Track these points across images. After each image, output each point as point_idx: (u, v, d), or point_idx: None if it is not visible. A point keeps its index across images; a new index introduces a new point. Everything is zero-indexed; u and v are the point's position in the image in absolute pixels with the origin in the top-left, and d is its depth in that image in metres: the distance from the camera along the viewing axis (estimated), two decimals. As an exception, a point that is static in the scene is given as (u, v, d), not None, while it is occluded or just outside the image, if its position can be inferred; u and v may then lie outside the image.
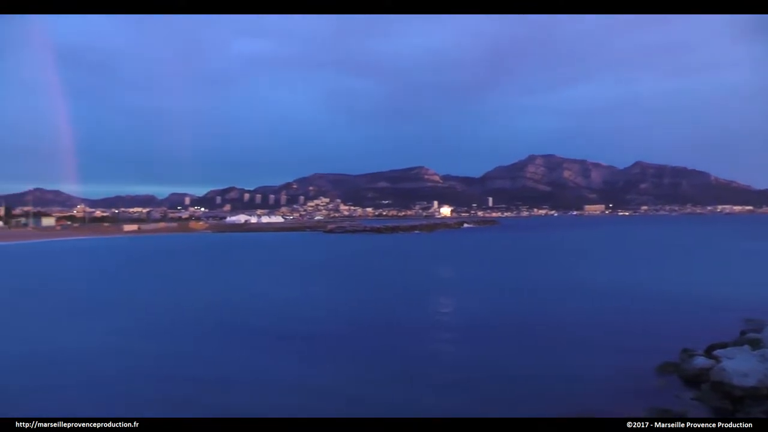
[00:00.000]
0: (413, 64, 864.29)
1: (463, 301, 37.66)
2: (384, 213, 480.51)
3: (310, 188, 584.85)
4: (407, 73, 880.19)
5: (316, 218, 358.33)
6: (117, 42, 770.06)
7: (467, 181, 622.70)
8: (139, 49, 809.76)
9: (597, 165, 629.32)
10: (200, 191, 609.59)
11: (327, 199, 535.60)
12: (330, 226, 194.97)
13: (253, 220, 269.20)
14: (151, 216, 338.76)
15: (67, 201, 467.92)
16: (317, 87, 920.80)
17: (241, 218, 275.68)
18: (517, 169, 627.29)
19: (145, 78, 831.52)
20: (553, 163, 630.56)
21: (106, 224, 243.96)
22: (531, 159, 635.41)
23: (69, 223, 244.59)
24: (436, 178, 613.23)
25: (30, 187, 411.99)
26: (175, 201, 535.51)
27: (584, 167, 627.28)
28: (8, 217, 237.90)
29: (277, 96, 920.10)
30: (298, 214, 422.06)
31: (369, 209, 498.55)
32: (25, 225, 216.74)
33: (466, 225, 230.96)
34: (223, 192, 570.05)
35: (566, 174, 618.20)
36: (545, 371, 20.17)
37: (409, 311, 33.26)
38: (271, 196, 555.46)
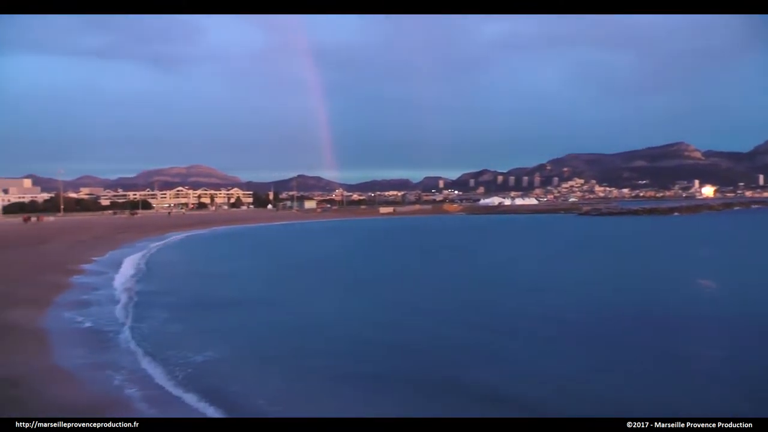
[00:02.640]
0: (668, 30, 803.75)
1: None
2: (641, 194, 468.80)
3: (564, 169, 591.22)
4: (661, 41, 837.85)
5: (571, 200, 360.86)
6: (365, 39, 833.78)
7: (733, 156, 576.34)
8: (387, 44, 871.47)
9: None
10: (453, 174, 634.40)
11: (581, 180, 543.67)
12: (585, 208, 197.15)
13: (507, 202, 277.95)
14: (406, 199, 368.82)
15: (327, 186, 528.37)
16: (568, 63, 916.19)
17: (495, 200, 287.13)
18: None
19: (394, 69, 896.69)
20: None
21: (363, 207, 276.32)
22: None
23: (328, 206, 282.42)
24: (698, 154, 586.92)
25: (294, 174, 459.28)
26: (429, 184, 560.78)
27: None
28: (276, 200, 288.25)
29: (528, 76, 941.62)
30: (552, 196, 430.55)
31: (625, 190, 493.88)
32: (290, 208, 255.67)
33: (737, 208, 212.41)
34: (476, 175, 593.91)
35: None
36: None
37: (681, 304, 31.08)
38: (525, 178, 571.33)
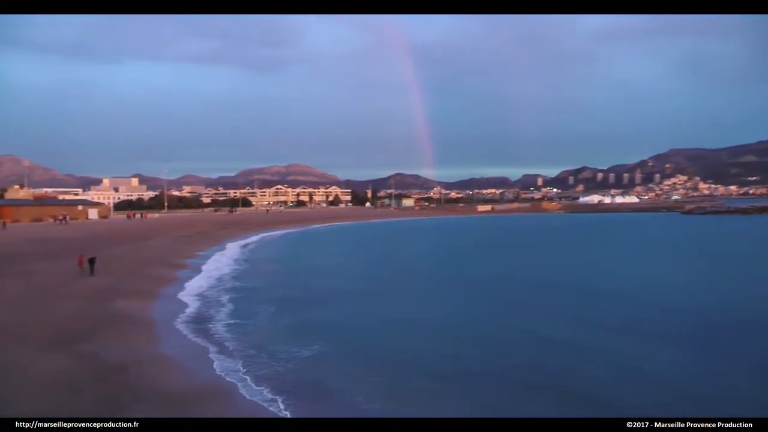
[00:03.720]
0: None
1: None
2: (750, 191, 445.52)
3: (666, 165, 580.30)
4: None
5: (673, 198, 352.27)
6: (462, 35, 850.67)
7: None
8: (485, 40, 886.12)
9: None
10: (552, 172, 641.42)
11: (684, 177, 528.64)
12: (688, 207, 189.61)
13: (607, 200, 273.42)
14: (504, 197, 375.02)
15: (425, 184, 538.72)
16: (669, 54, 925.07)
17: (594, 198, 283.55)
18: None
19: (493, 65, 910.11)
20: None
21: (461, 205, 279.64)
22: None
23: (426, 204, 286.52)
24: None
25: (392, 172, 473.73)
26: (528, 182, 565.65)
27: None
28: (374, 198, 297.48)
29: (628, 68, 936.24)
30: (653, 194, 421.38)
31: (732, 187, 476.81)
32: (389, 205, 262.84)
33: None
34: (575, 172, 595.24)
35: None
36: None
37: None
38: (625, 175, 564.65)
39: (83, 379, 16.29)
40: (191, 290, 34.58)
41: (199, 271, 44.11)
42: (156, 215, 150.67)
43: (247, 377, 17.81)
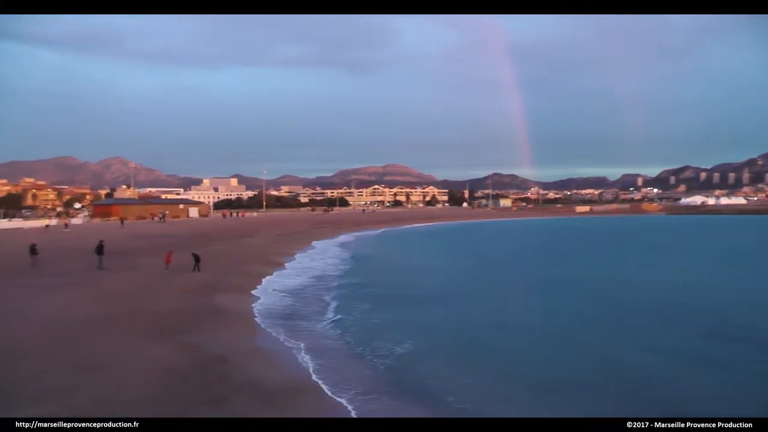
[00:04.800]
0: None
1: None
2: None
3: None
4: None
5: None
6: (558, 33, 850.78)
7: None
8: (581, 36, 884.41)
9: None
10: (653, 171, 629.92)
11: None
12: None
13: (711, 201, 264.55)
14: (603, 197, 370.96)
15: (522, 184, 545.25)
16: None
17: (697, 199, 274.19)
18: None
19: (590, 62, 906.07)
20: None
21: (558, 205, 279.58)
22: None
23: (524, 204, 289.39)
24: None
25: (489, 172, 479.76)
26: (627, 182, 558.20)
27: None
28: (471, 198, 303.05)
29: (734, 61, 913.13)
30: (763, 195, 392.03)
31: None
32: (486, 206, 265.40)
33: None
34: (676, 172, 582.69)
35: None
36: None
37: None
38: (731, 175, 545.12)
39: (186, 368, 17.10)
40: (287, 286, 35.60)
41: (295, 268, 45.35)
42: (254, 214, 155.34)
43: (337, 374, 18.17)
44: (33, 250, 38.03)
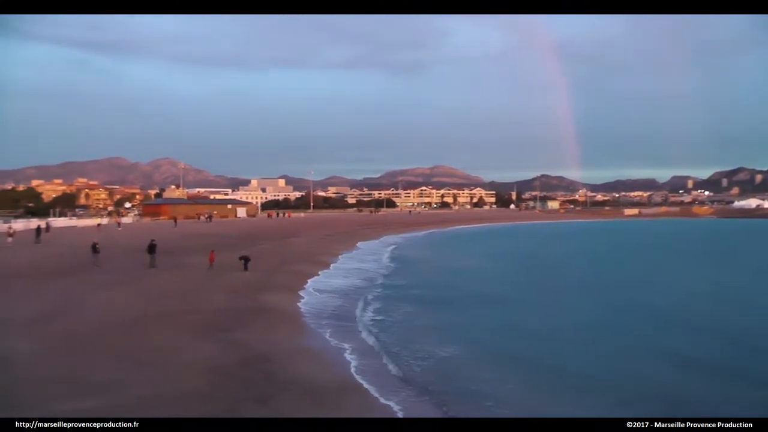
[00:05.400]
0: None
1: None
2: None
3: None
4: None
5: None
6: (607, 31, 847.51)
7: None
8: (630, 35, 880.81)
9: None
10: (704, 173, 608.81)
11: None
12: None
13: (766, 204, 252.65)
14: (652, 200, 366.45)
15: (570, 186, 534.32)
16: None
17: (752, 203, 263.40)
18: None
19: (639, 61, 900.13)
20: None
21: (606, 208, 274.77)
22: None
23: (571, 206, 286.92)
24: None
25: (537, 173, 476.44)
26: (677, 184, 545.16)
27: None
28: (518, 200, 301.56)
29: None
30: None
31: None
32: (533, 208, 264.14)
33: None
34: (729, 174, 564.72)
35: None
36: None
37: None
38: None
39: (232, 365, 17.46)
40: (333, 286, 35.98)
41: (341, 268, 45.80)
42: (301, 215, 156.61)
43: (381, 375, 18.32)
44: (94, 248, 39.09)
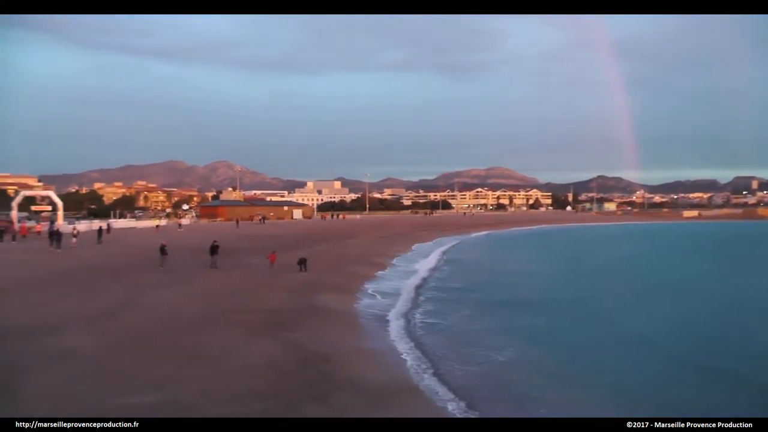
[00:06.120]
0: None
1: None
2: None
3: None
4: None
5: None
6: (663, 27, 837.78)
7: None
8: (688, 30, 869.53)
9: None
10: None
11: None
12: None
13: None
14: (713, 201, 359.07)
15: (627, 187, 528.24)
16: None
17: None
18: None
19: (699, 58, 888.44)
20: None
21: (665, 210, 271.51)
22: None
23: (629, 208, 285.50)
24: None
25: (594, 174, 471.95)
26: (740, 185, 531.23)
27: None
28: (575, 202, 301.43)
29: None
30: None
31: None
32: (590, 209, 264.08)
33: None
34: None
35: None
36: None
37: None
38: None
39: (289, 364, 17.58)
40: (389, 288, 36.04)
41: (396, 270, 45.82)
42: (357, 216, 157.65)
43: (437, 378, 18.16)
44: (163, 250, 39.85)
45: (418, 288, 37.15)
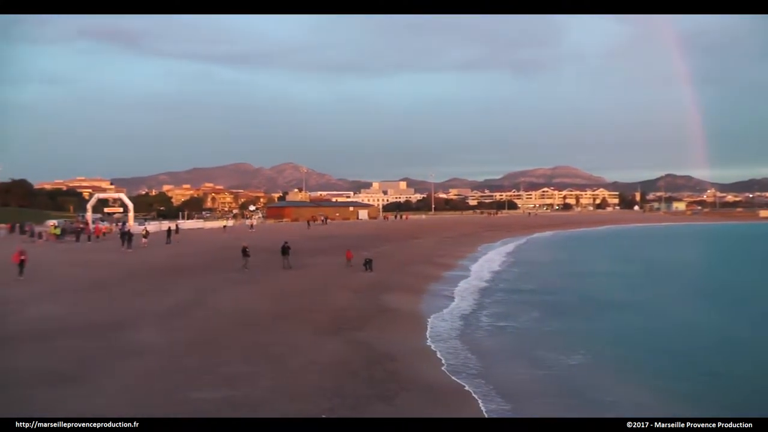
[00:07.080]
0: None
1: None
2: None
3: None
4: None
5: None
6: (732, 21, 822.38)
7: None
8: (755, 25, 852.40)
9: None
10: None
11: None
12: None
13: None
14: None
15: (697, 186, 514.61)
16: None
17: None
18: None
19: None
20: None
21: (738, 209, 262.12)
22: None
23: (699, 208, 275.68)
24: None
25: (662, 173, 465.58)
26: None
27: None
28: (642, 201, 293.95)
29: None
30: None
31: None
32: (658, 209, 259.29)
33: None
34: None
35: None
36: None
37: None
38: None
39: (356, 363, 17.81)
40: (456, 289, 35.95)
41: (464, 270, 45.72)
42: (422, 216, 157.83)
43: (502, 380, 18.01)
44: (245, 252, 40.66)
45: (486, 289, 36.94)
